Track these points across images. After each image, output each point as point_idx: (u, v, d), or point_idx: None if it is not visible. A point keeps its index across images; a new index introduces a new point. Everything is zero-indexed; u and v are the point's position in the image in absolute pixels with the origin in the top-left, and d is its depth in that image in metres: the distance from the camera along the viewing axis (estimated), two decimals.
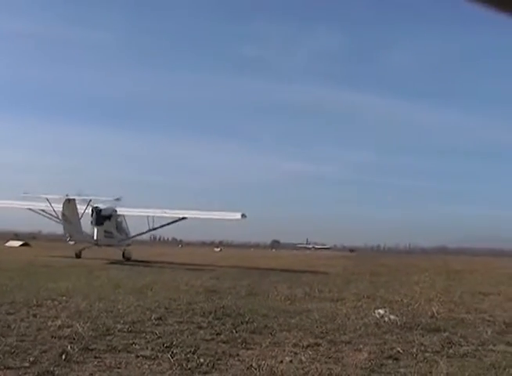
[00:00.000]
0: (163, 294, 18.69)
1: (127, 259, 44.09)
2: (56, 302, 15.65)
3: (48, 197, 43.63)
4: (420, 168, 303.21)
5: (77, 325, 11.81)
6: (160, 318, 13.67)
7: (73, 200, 43.05)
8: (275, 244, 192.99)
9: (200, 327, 12.75)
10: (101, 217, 44.55)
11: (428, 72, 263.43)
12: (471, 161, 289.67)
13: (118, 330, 11.86)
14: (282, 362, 9.54)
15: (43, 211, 45.56)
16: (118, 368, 8.91)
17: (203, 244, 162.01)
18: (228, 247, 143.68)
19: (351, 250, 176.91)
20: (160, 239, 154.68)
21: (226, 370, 9.05)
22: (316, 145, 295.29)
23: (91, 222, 44.51)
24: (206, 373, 8.82)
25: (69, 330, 11.45)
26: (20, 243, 77.96)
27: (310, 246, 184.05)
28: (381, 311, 15.74)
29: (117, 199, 44.31)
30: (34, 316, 13.35)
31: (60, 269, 30.18)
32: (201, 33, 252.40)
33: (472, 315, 16.57)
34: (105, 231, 44.72)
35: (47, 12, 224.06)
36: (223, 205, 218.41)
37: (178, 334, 11.73)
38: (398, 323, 14.07)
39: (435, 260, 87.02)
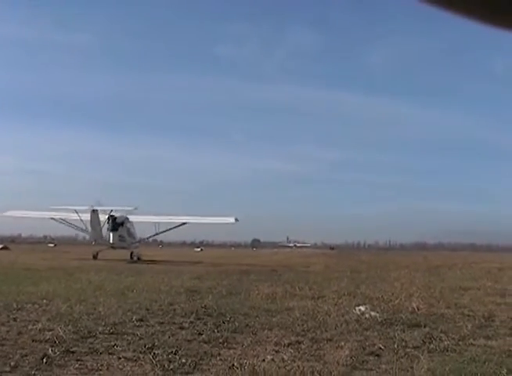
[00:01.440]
0: (144, 296, 18.66)
1: (138, 259, 50.00)
2: (37, 306, 15.54)
3: (76, 208, 51.24)
4: (399, 165, 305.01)
5: (58, 328, 11.74)
6: (141, 319, 13.64)
7: (97, 210, 50.08)
8: (256, 243, 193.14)
9: (182, 328, 12.75)
10: (116, 224, 51.10)
11: (405, 70, 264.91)
12: (448, 157, 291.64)
13: (99, 333, 11.82)
14: (264, 360, 9.54)
15: (63, 220, 53.75)
16: (100, 370, 8.87)
17: (184, 244, 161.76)
18: (209, 247, 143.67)
19: (332, 247, 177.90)
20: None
21: (208, 369, 9.05)
22: (295, 144, 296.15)
23: (108, 229, 51.09)
24: (188, 373, 8.81)
25: (50, 333, 11.37)
26: None
27: (291, 244, 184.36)
28: (362, 308, 15.82)
29: (135, 208, 52.06)
30: (15, 319, 13.27)
31: (41, 272, 29.98)
32: (177, 33, 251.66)
33: (452, 310, 16.70)
34: (119, 236, 51.36)
35: (30, 15, 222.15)
36: (203, 206, 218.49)
37: (159, 335, 11.71)
38: (379, 320, 14.15)
39: (415, 256, 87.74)
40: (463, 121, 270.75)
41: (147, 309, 15.38)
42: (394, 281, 27.42)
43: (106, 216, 50.88)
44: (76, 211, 51.00)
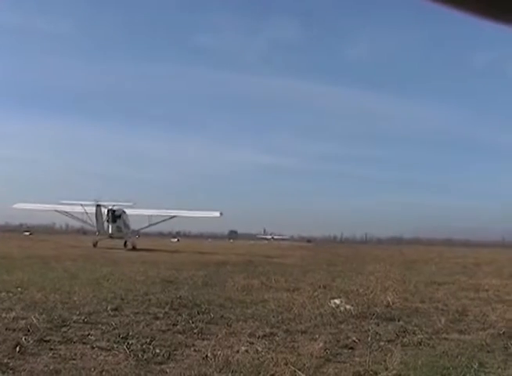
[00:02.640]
0: (119, 285, 18.62)
1: (133, 248, 55.52)
2: (11, 294, 15.45)
3: (82, 202, 57.48)
4: (377, 158, 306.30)
5: (32, 317, 11.68)
6: (116, 309, 13.60)
7: (100, 205, 56.75)
8: (233, 235, 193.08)
9: (157, 318, 12.73)
10: (114, 216, 57.95)
11: (387, 62, 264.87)
12: (428, 152, 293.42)
13: (74, 322, 11.78)
14: (238, 352, 9.56)
15: (67, 212, 61.08)
16: (73, 360, 8.83)
17: (160, 234, 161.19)
18: (186, 238, 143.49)
19: (309, 240, 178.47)
20: None
21: (182, 360, 9.05)
22: (274, 136, 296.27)
23: (107, 220, 57.96)
24: (162, 363, 8.80)
25: (23, 322, 11.30)
26: None
27: (268, 236, 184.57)
28: (337, 301, 15.88)
29: (134, 203, 59.93)
30: None
31: (16, 260, 29.74)
32: (156, 22, 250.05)
33: (426, 304, 16.83)
34: (117, 227, 58.27)
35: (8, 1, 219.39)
36: (182, 197, 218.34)
37: (134, 325, 11.69)
38: (354, 313, 14.21)
39: (391, 250, 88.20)
40: (441, 114, 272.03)
41: (122, 299, 15.34)
42: (369, 275, 27.55)
43: (106, 209, 57.43)
44: (82, 205, 57.35)
